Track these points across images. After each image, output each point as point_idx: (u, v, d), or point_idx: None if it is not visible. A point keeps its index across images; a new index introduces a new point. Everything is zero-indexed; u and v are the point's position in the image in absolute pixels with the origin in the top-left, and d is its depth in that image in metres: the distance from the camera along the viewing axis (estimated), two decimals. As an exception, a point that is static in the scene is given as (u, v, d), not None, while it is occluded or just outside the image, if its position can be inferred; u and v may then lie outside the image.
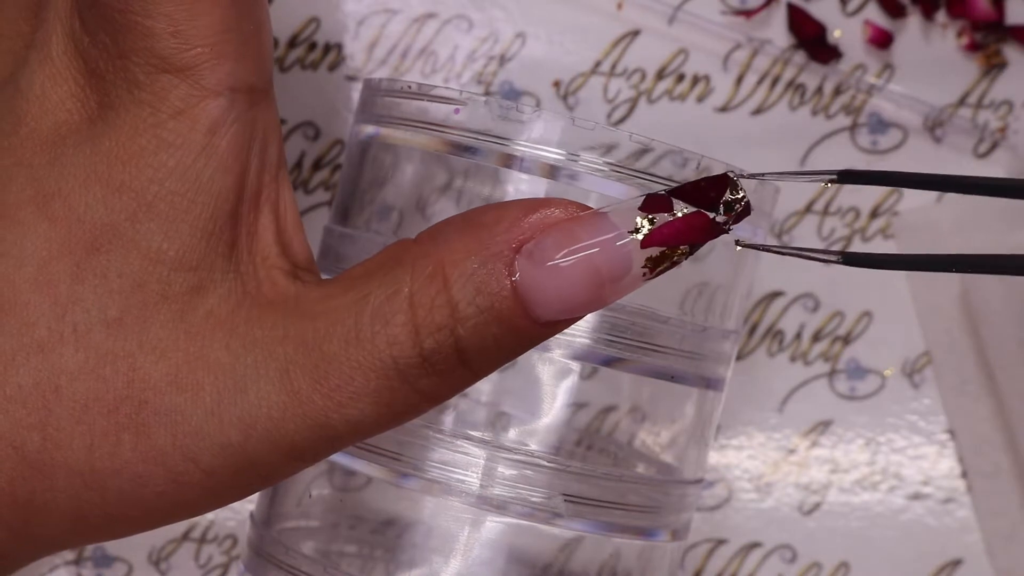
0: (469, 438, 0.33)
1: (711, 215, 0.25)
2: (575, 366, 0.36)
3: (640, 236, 0.25)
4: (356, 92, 0.44)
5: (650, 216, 0.25)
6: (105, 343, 0.26)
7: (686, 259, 0.25)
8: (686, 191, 0.25)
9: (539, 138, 0.33)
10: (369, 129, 0.35)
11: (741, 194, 0.25)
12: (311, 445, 0.26)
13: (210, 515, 0.45)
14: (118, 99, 0.27)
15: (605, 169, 0.33)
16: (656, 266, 0.25)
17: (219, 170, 0.27)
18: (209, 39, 0.27)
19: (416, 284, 0.25)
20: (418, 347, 0.25)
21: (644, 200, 0.25)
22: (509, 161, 0.33)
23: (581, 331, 0.33)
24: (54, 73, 0.28)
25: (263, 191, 0.28)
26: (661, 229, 0.25)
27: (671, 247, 0.25)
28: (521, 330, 0.25)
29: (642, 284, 0.25)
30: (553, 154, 0.33)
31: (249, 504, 0.41)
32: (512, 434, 0.37)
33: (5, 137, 0.28)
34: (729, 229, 0.25)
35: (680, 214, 0.25)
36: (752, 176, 0.26)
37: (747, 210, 0.25)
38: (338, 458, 0.34)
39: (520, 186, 0.34)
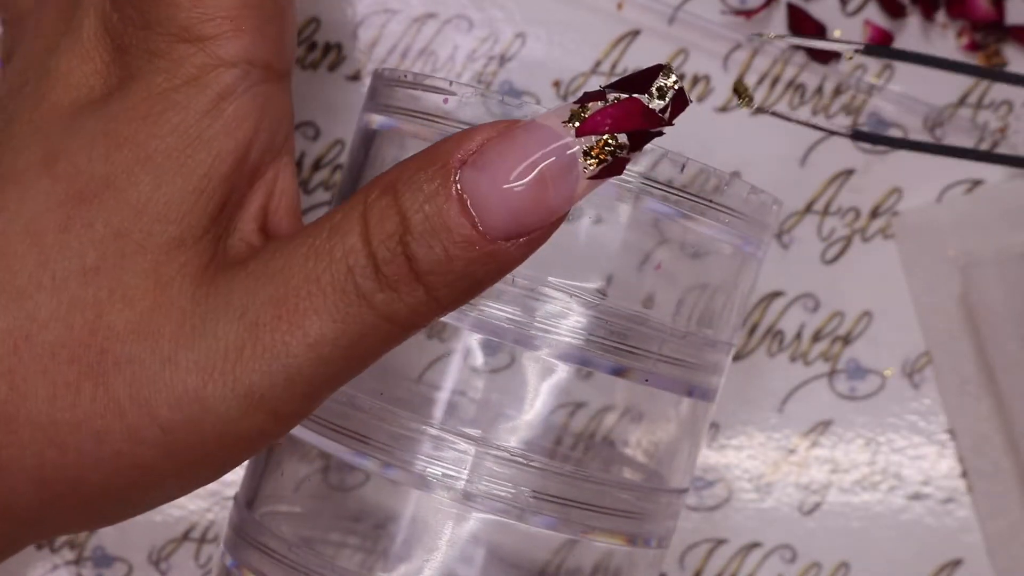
0: (459, 434, 0.34)
1: (645, 101, 0.25)
2: (566, 368, 0.36)
3: (574, 125, 0.25)
4: (356, 92, 0.45)
5: (584, 106, 0.25)
6: (78, 291, 0.26)
7: (630, 157, 0.25)
8: (620, 83, 0.25)
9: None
10: (372, 118, 0.36)
11: (673, 79, 0.25)
12: (270, 383, 0.26)
13: (210, 515, 0.45)
14: (138, 69, 0.28)
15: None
16: (599, 162, 0.25)
17: (221, 132, 0.28)
18: (230, 12, 0.28)
19: (370, 199, 0.26)
20: (370, 255, 0.25)
21: (580, 97, 0.25)
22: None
23: (574, 333, 0.33)
24: (82, 53, 0.29)
25: (263, 169, 0.29)
26: (595, 116, 0.25)
27: (610, 136, 0.25)
28: (472, 243, 0.25)
29: (590, 188, 0.25)
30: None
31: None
32: (502, 432, 0.37)
33: (27, 112, 0.29)
34: (669, 120, 0.25)
35: (613, 101, 0.25)
36: (776, 37, 0.26)
37: (682, 98, 0.25)
38: (325, 445, 0.35)
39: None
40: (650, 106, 0.25)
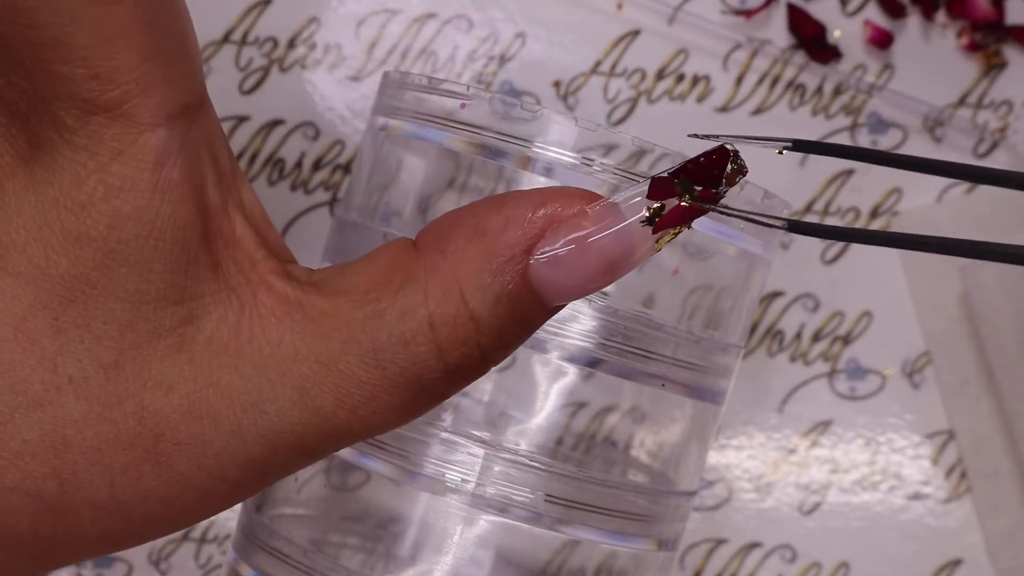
0: (469, 436, 0.34)
1: (714, 191, 0.25)
2: (575, 370, 0.36)
3: (649, 223, 0.25)
4: (356, 92, 0.44)
5: (658, 204, 0.25)
6: (106, 388, 0.26)
7: (689, 228, 0.26)
8: (690, 171, 0.25)
9: (541, 138, 0.33)
10: (382, 120, 0.35)
11: (741, 163, 0.25)
12: (333, 447, 0.26)
13: (210, 515, 0.45)
14: (48, 141, 0.25)
15: (603, 170, 0.33)
16: (662, 240, 0.25)
17: (177, 203, 0.26)
18: (132, 74, 0.25)
19: (433, 303, 0.25)
20: (443, 362, 0.25)
21: (650, 186, 0.25)
22: (517, 160, 0.33)
23: (585, 336, 0.33)
24: None
25: (228, 200, 0.27)
26: (670, 214, 0.25)
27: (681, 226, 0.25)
28: (536, 318, 0.26)
29: (649, 256, 0.26)
30: (554, 154, 0.33)
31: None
32: (511, 435, 0.37)
33: None
34: (724, 195, 0.25)
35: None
36: (705, 137, 0.26)
37: (744, 175, 0.26)
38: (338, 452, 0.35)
39: (520, 185, 0.34)
40: (719, 191, 0.25)
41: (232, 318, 0.26)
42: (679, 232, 0.25)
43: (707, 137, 0.26)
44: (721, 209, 0.26)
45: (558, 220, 0.25)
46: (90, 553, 0.27)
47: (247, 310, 0.26)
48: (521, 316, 0.26)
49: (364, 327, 0.26)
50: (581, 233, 0.25)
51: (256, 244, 0.27)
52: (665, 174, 0.25)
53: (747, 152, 0.26)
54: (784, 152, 0.26)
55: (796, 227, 0.25)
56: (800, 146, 0.25)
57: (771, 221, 0.25)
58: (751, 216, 0.26)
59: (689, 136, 0.26)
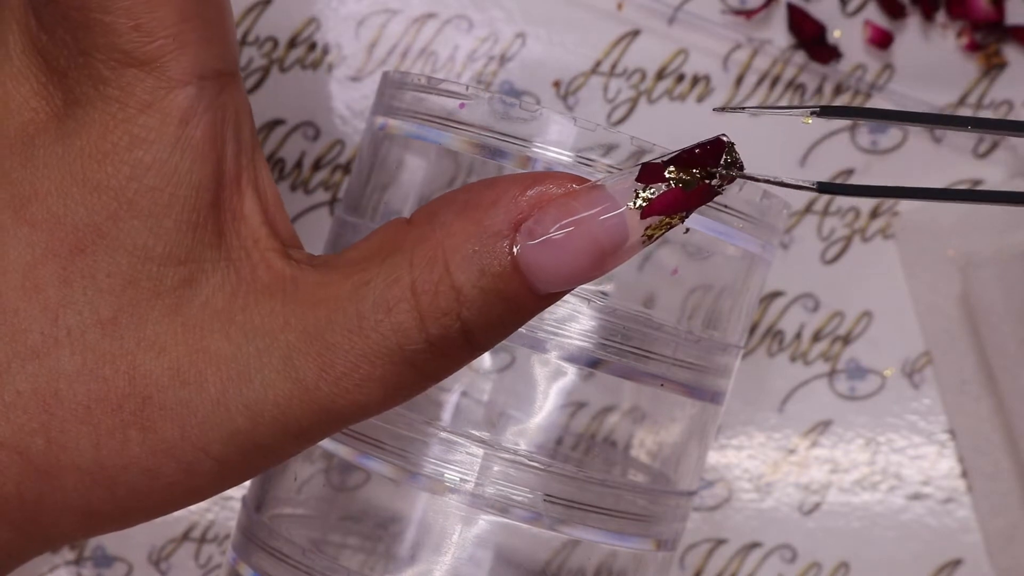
0: (468, 436, 0.34)
1: (707, 181, 0.25)
2: (575, 370, 0.36)
3: (639, 208, 0.25)
4: (356, 92, 0.45)
5: (647, 187, 0.25)
6: (102, 344, 0.26)
7: (682, 223, 0.25)
8: (682, 159, 0.25)
9: (541, 138, 0.33)
10: (381, 120, 0.36)
11: (736, 156, 0.25)
12: (318, 427, 0.26)
13: (210, 515, 0.45)
14: (84, 95, 0.27)
15: (603, 170, 0.33)
16: (654, 232, 0.25)
17: (196, 161, 0.27)
18: (171, 29, 0.26)
19: (417, 271, 0.25)
20: (424, 333, 0.25)
21: (640, 171, 0.25)
22: (516, 160, 0.33)
23: (584, 336, 0.33)
24: (15, 72, 0.27)
25: (242, 174, 0.28)
26: (659, 200, 0.25)
27: (672, 216, 0.25)
28: (525, 304, 0.26)
29: (641, 250, 0.26)
30: (553, 154, 0.33)
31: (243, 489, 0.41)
32: (510, 435, 0.37)
33: None
34: (722, 190, 0.25)
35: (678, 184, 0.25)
36: (731, 110, 0.26)
37: (740, 169, 0.25)
38: (335, 450, 0.35)
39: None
40: (711, 185, 0.25)
41: (228, 287, 0.27)
42: (671, 224, 0.25)
43: (733, 110, 0.26)
44: (748, 176, 0.25)
45: (547, 198, 0.25)
46: (74, 530, 0.27)
47: (244, 283, 0.27)
48: (506, 296, 0.25)
49: (351, 296, 0.26)
50: (571, 218, 0.25)
51: (261, 222, 0.28)
52: (659, 160, 0.25)
53: (745, 152, 0.26)
54: (811, 120, 0.25)
55: (825, 188, 0.25)
56: (827, 111, 0.25)
57: (799, 183, 0.25)
58: (779, 181, 0.26)
59: (715, 110, 0.26)
